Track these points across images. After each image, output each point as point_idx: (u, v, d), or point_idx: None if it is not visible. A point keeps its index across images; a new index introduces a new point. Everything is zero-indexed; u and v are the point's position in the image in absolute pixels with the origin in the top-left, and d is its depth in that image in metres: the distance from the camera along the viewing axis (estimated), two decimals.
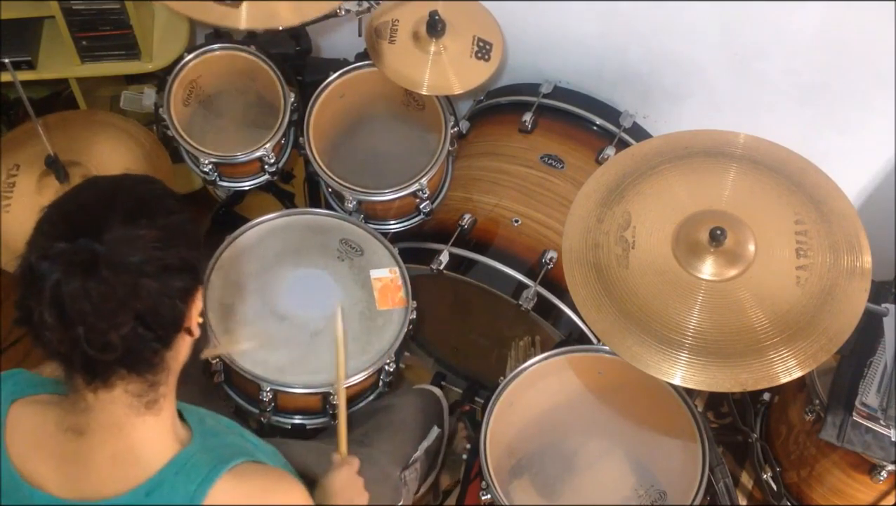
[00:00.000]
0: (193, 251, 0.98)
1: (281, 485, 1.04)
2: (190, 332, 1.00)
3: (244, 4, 1.67)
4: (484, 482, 1.49)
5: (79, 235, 0.89)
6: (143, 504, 0.96)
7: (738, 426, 1.90)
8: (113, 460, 0.98)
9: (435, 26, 1.78)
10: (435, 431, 1.76)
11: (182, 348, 1.01)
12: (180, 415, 1.06)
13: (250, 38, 1.88)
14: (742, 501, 2.06)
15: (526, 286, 1.77)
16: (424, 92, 1.80)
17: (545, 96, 2.07)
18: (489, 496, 1.48)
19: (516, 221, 1.88)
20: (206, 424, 1.08)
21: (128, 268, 0.89)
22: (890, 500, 1.65)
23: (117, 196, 0.96)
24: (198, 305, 1.00)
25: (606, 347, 1.56)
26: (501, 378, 1.61)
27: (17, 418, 1.02)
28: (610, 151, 1.95)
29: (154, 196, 0.99)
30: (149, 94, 2.24)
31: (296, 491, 1.05)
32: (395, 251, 1.77)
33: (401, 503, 1.61)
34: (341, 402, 1.42)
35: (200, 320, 1.02)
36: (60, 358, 0.93)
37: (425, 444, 1.71)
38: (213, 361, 1.62)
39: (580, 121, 2.06)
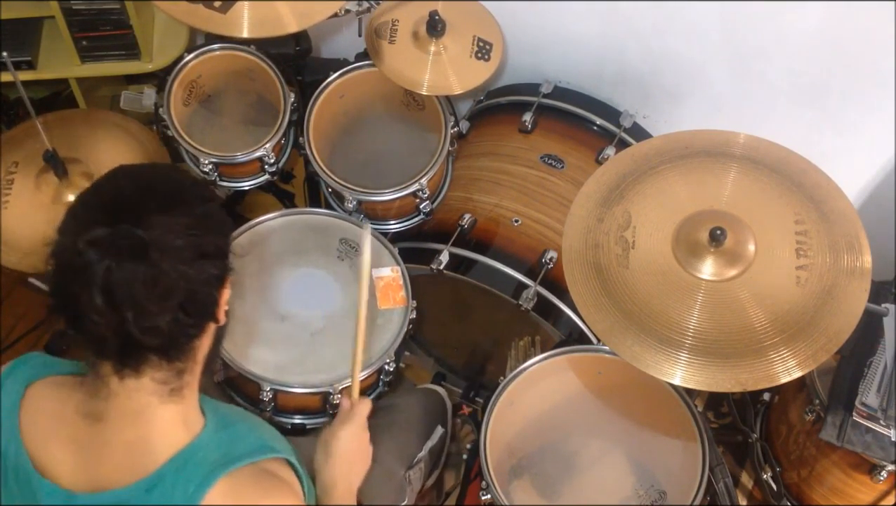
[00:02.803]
0: (225, 238, 1.00)
1: (273, 496, 1.03)
2: (216, 319, 1.01)
3: (246, 14, 1.67)
4: (484, 482, 1.49)
5: (118, 221, 0.90)
6: (143, 501, 0.97)
7: (738, 426, 1.90)
8: (127, 447, 0.99)
9: (435, 26, 1.78)
10: (439, 430, 1.76)
11: (209, 336, 1.03)
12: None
13: (251, 38, 1.88)
14: (742, 501, 2.05)
15: (526, 286, 1.77)
16: (424, 92, 1.80)
17: (545, 96, 2.07)
18: (489, 496, 1.48)
19: (516, 221, 1.88)
20: (220, 414, 1.07)
21: (174, 253, 0.91)
22: (890, 500, 1.65)
23: (154, 184, 0.97)
24: (226, 293, 1.01)
25: (606, 347, 1.56)
26: (501, 378, 1.61)
27: (35, 400, 1.03)
28: (610, 151, 1.95)
29: (187, 184, 1.00)
30: (149, 95, 2.24)
31: (288, 501, 1.04)
32: (396, 251, 1.77)
33: (405, 503, 1.61)
34: (360, 333, 1.35)
35: (227, 308, 1.03)
36: (95, 344, 0.93)
37: (430, 444, 1.71)
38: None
39: (580, 121, 2.06)
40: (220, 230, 0.99)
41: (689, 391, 1.55)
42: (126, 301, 0.88)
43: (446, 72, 1.80)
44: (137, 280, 0.88)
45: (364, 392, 1.72)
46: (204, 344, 1.02)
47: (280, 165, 1.87)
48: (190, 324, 0.95)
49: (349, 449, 1.28)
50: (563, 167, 1.95)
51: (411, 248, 1.86)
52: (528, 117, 2.01)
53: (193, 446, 1.00)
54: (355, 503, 1.29)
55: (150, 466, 0.98)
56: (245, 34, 1.68)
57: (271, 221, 1.80)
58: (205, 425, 1.04)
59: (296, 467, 1.10)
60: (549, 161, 1.96)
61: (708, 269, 1.43)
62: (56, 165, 1.71)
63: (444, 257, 1.80)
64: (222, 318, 1.02)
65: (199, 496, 0.96)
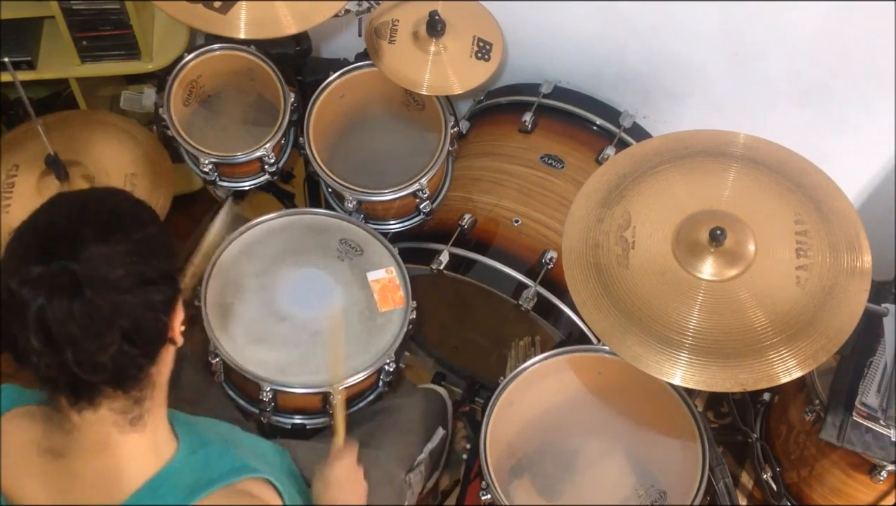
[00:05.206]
0: (170, 261, 0.96)
1: None
2: (174, 341, 0.99)
3: (243, 14, 1.67)
4: (484, 482, 1.49)
5: (54, 255, 0.87)
6: None
7: (738, 426, 1.90)
8: (97, 478, 0.97)
9: (435, 26, 1.78)
10: (440, 432, 1.76)
11: (167, 360, 1.00)
12: (171, 424, 1.05)
13: (250, 39, 1.88)
14: (742, 501, 2.05)
15: (526, 286, 1.77)
16: (424, 92, 1.80)
17: (545, 96, 2.07)
18: (489, 496, 1.48)
19: (516, 221, 1.88)
20: (195, 433, 1.06)
21: (110, 286, 0.87)
22: (890, 500, 1.65)
23: (88, 212, 0.93)
24: (179, 314, 0.98)
25: (606, 347, 1.56)
26: (501, 378, 1.61)
27: (5, 432, 1.01)
28: (610, 151, 1.95)
29: (125, 209, 0.96)
30: (149, 94, 2.24)
31: None
32: (395, 251, 1.77)
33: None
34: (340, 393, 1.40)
35: (183, 328, 1.00)
36: (46, 381, 0.91)
37: (430, 446, 1.71)
38: (214, 362, 1.62)
39: (580, 121, 2.06)
40: (163, 253, 0.95)
41: (689, 391, 1.55)
42: (63, 340, 0.85)
43: (446, 72, 1.80)
44: (72, 318, 0.85)
45: (364, 393, 1.72)
46: (162, 370, 0.99)
47: (280, 165, 1.87)
48: (139, 354, 0.92)
49: (342, 474, 1.30)
50: (563, 167, 1.95)
51: (411, 248, 1.86)
52: (528, 117, 2.01)
53: (165, 471, 0.99)
54: None
55: (120, 495, 0.96)
56: (245, 35, 1.68)
57: (271, 221, 1.80)
58: (177, 449, 1.02)
59: (276, 485, 1.08)
60: (549, 161, 1.96)
61: (708, 269, 1.43)
62: (58, 168, 1.71)
63: (444, 257, 1.80)
64: (179, 339, 0.99)
65: None
